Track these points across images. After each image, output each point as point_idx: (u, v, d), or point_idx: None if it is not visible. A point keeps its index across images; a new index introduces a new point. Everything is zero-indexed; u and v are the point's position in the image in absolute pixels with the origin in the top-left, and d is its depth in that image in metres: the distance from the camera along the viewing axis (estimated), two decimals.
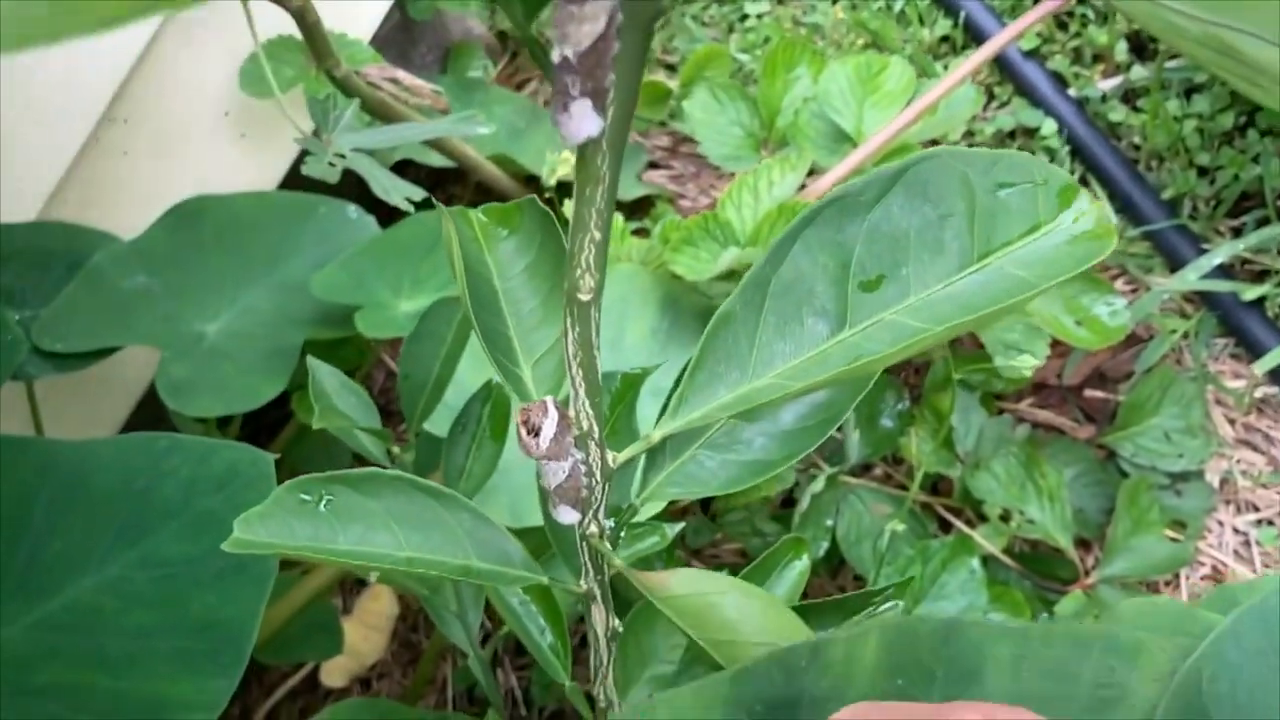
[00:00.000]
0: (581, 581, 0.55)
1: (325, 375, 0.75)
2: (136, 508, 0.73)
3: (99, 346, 1.01)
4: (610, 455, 0.48)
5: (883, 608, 0.61)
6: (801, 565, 0.64)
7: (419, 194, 0.94)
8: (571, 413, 0.45)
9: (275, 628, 1.01)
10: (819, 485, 1.07)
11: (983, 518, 1.13)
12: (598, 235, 0.38)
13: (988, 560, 1.09)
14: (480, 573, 0.52)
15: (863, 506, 1.10)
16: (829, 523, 1.08)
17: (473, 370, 0.92)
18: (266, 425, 1.27)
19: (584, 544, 0.52)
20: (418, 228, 1.10)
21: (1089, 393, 1.22)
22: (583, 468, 0.47)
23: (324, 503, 0.52)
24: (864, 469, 1.15)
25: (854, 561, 1.08)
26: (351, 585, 1.24)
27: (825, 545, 1.08)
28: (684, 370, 0.47)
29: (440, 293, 1.04)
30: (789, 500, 1.15)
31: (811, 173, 1.08)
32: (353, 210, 1.14)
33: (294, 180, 1.24)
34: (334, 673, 1.22)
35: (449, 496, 0.53)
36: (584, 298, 0.40)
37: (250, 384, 1.02)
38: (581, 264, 0.39)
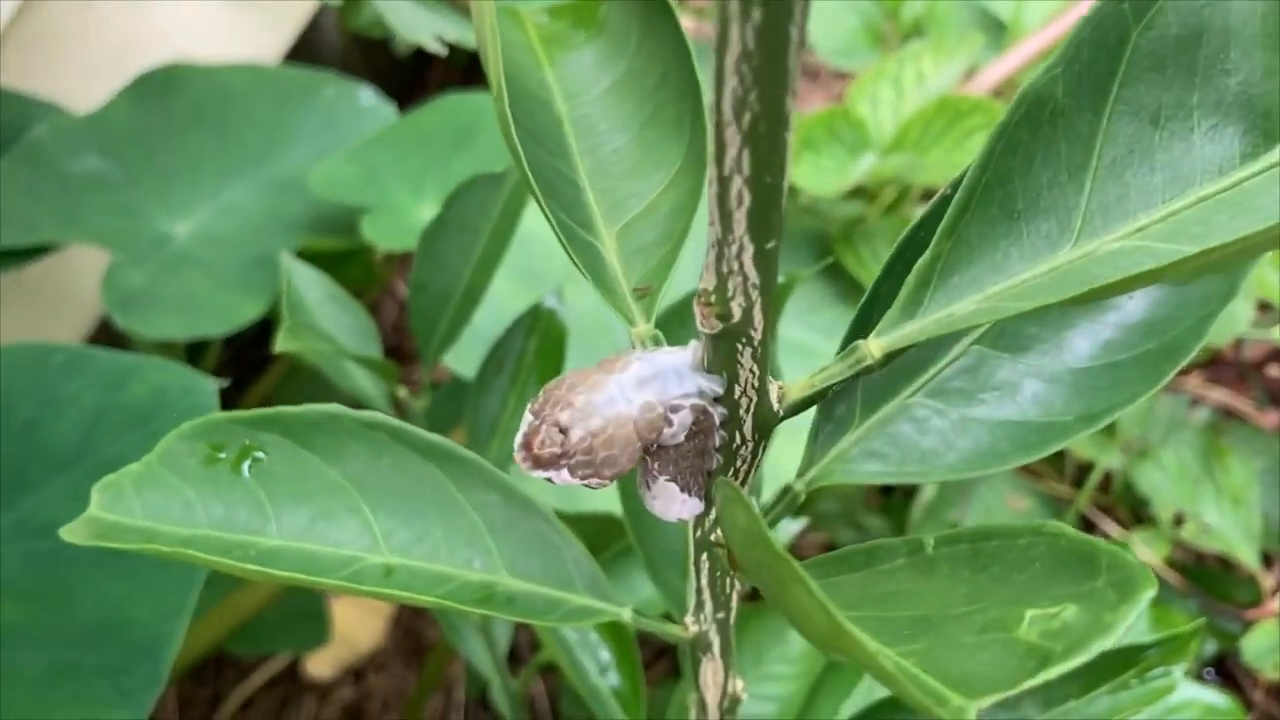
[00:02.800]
0: (690, 619, 0.32)
1: (305, 280, 0.53)
2: (14, 451, 0.51)
3: (33, 242, 0.80)
4: (775, 390, 0.24)
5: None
6: None
7: (455, 32, 0.70)
8: (704, 285, 0.22)
9: (247, 613, 0.83)
10: None
11: (1138, 519, 0.90)
12: None
13: None
14: (515, 598, 0.30)
15: (995, 499, 0.87)
16: (954, 517, 0.85)
17: (514, 287, 0.69)
18: (251, 365, 1.05)
19: (704, 556, 0.29)
20: (447, 113, 0.88)
21: (1274, 370, 0.98)
22: (717, 414, 0.24)
23: (248, 463, 0.30)
24: None
25: None
26: None
27: None
28: (925, 223, 0.24)
29: None
30: (889, 486, 0.93)
31: None
32: (367, 94, 0.93)
33: (301, 56, 1.02)
34: (322, 662, 1.05)
35: (465, 462, 0.30)
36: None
37: (226, 301, 0.81)
38: None
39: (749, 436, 0.25)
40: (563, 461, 0.24)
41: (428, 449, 0.30)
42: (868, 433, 0.29)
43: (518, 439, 0.24)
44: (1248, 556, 0.85)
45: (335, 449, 0.30)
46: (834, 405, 0.29)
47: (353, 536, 0.30)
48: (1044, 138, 0.23)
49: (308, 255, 0.84)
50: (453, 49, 1.10)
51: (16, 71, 0.88)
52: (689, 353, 0.24)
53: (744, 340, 0.22)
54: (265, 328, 0.92)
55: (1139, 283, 0.20)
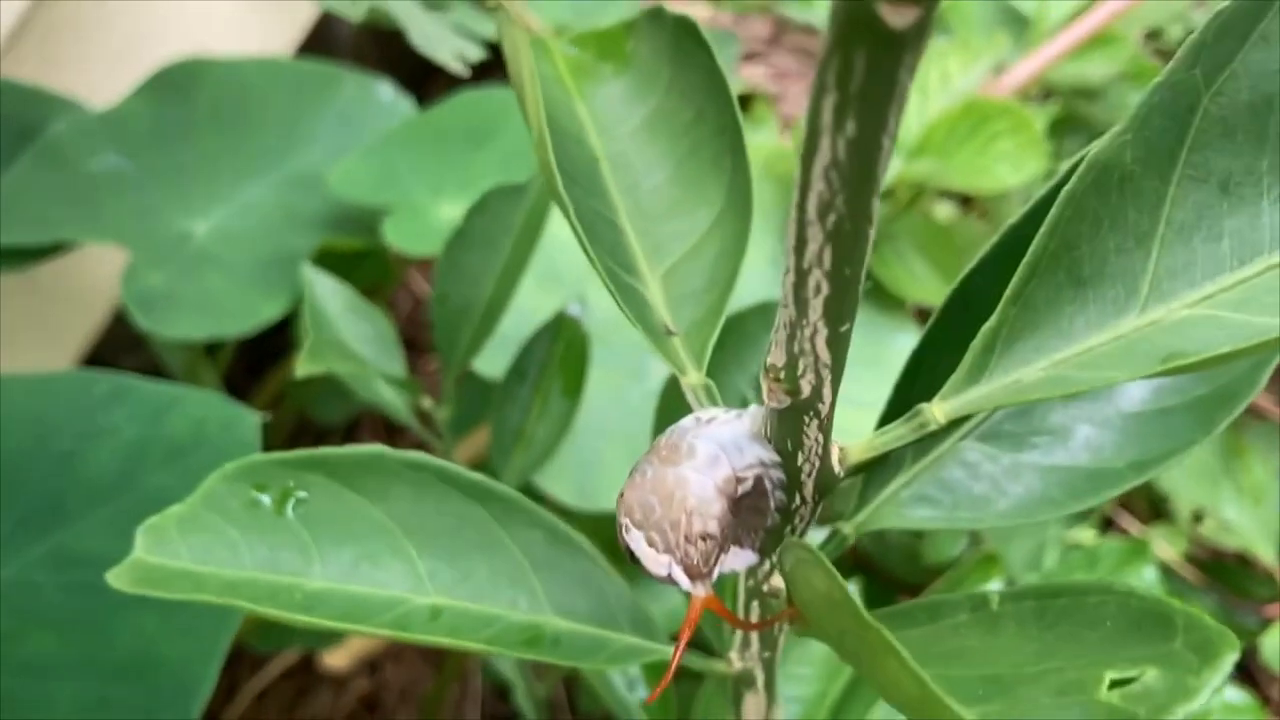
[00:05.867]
0: (734, 655, 0.32)
1: (327, 291, 0.52)
2: (53, 481, 0.51)
3: (51, 240, 0.79)
4: (837, 453, 0.24)
5: None
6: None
7: (476, 52, 0.70)
8: (773, 361, 0.22)
9: None
10: None
11: (1157, 514, 0.90)
12: None
13: (1164, 570, 0.87)
14: (561, 638, 0.29)
15: None
16: None
17: (536, 287, 0.68)
18: (269, 353, 1.05)
19: (754, 603, 0.29)
20: (465, 111, 0.87)
21: None
22: (775, 478, 0.24)
23: (291, 504, 0.30)
24: None
25: (1004, 563, 0.85)
26: None
27: (963, 543, 0.86)
28: (980, 269, 0.24)
29: None
30: None
31: None
32: (386, 89, 0.91)
33: (314, 47, 1.00)
34: (338, 654, 1.03)
35: (508, 501, 0.30)
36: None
37: (246, 300, 0.80)
38: None
39: (809, 499, 0.25)
40: (720, 555, 0.23)
41: (471, 488, 0.30)
42: (918, 476, 0.29)
43: (682, 581, 0.24)
44: (1267, 553, 0.85)
45: (379, 490, 0.30)
46: (894, 454, 0.29)
47: (397, 578, 0.30)
48: (1112, 204, 0.22)
49: (325, 254, 0.84)
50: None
51: (32, 65, 0.87)
52: (746, 421, 0.24)
53: (811, 414, 0.22)
54: (283, 323, 0.92)
55: (1211, 364, 0.19)
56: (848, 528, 0.29)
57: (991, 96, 0.72)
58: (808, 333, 0.20)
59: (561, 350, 0.55)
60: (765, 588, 0.28)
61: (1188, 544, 0.86)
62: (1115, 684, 0.19)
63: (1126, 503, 0.91)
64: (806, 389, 0.21)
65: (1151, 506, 0.91)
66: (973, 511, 0.28)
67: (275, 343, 1.04)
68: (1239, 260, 0.22)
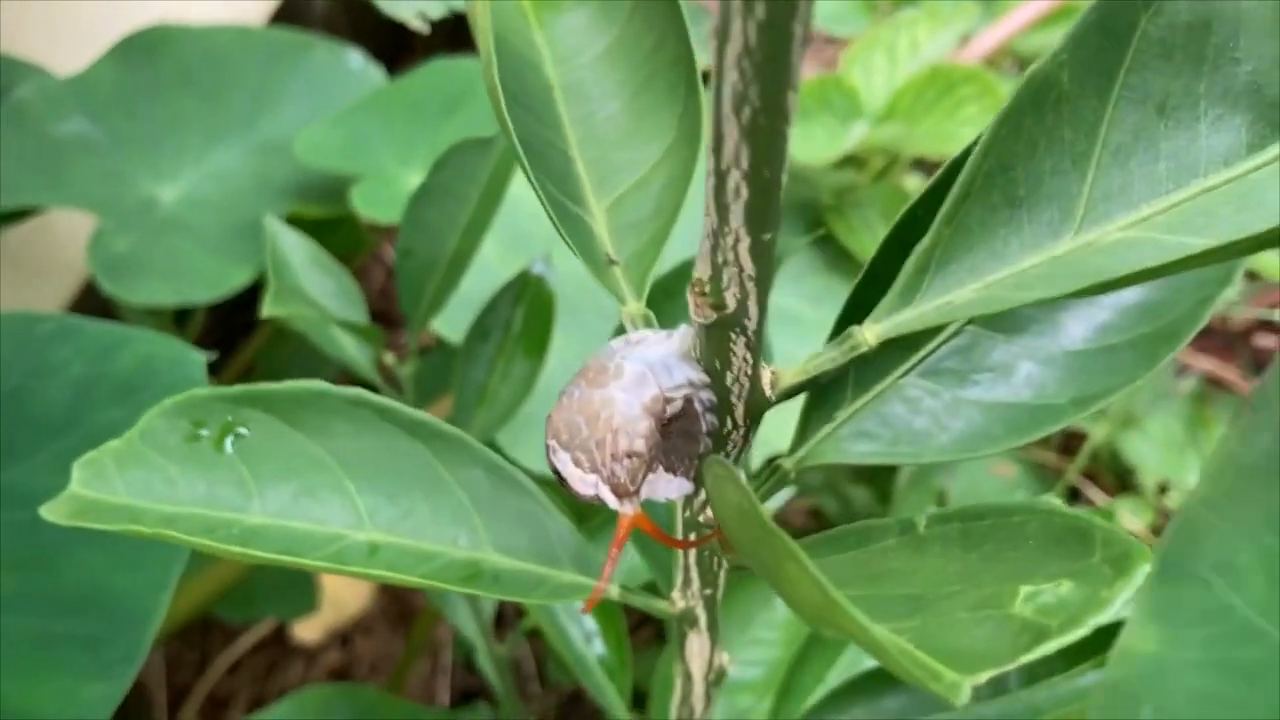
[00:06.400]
0: (676, 594, 0.32)
1: (291, 244, 0.52)
2: (2, 417, 0.50)
3: (17, 205, 0.78)
4: (768, 376, 0.24)
5: None
6: None
7: (438, 9, 0.69)
8: (698, 274, 0.22)
9: (235, 577, 0.82)
10: None
11: (1124, 486, 0.90)
12: None
13: None
14: (501, 575, 0.29)
15: (981, 466, 0.86)
16: (940, 484, 0.85)
17: (502, 252, 0.68)
18: (238, 327, 1.04)
19: (691, 536, 0.29)
20: (436, 79, 0.87)
21: (1260, 340, 0.98)
22: (705, 400, 0.24)
23: (231, 440, 0.29)
24: None
25: None
26: None
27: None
28: (923, 202, 0.24)
29: None
30: None
31: None
32: (355, 57, 0.91)
33: (286, 18, 1.00)
34: (309, 626, 1.05)
35: (450, 439, 0.30)
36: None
37: (214, 267, 0.80)
38: None
39: (740, 422, 0.24)
40: (651, 468, 0.23)
41: (413, 426, 0.30)
42: (859, 412, 0.29)
43: (610, 500, 0.24)
44: None
45: (320, 426, 0.30)
46: (826, 384, 0.29)
47: (336, 514, 0.29)
48: (1048, 124, 0.22)
49: (295, 221, 0.83)
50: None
51: (2, 33, 0.86)
52: (675, 340, 0.24)
53: (738, 330, 0.22)
54: (251, 292, 0.91)
55: (1142, 278, 0.19)
56: (788, 463, 0.29)
57: (958, 63, 0.72)
58: (730, 241, 0.20)
59: (526, 309, 0.54)
60: (701, 518, 0.28)
61: (1154, 515, 0.87)
62: (1030, 598, 0.19)
63: (1093, 475, 0.92)
64: (732, 302, 0.21)
65: (1118, 479, 0.91)
66: (913, 446, 0.28)
67: (244, 317, 1.04)
68: (1175, 183, 0.22)
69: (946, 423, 0.28)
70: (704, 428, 0.24)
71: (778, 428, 0.30)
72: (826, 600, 0.17)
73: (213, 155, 0.87)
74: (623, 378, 0.23)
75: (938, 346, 0.29)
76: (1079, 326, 0.29)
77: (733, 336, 0.22)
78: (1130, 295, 0.28)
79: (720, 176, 0.18)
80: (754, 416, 0.24)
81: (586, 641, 0.45)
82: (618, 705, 0.44)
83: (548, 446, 0.24)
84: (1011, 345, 0.29)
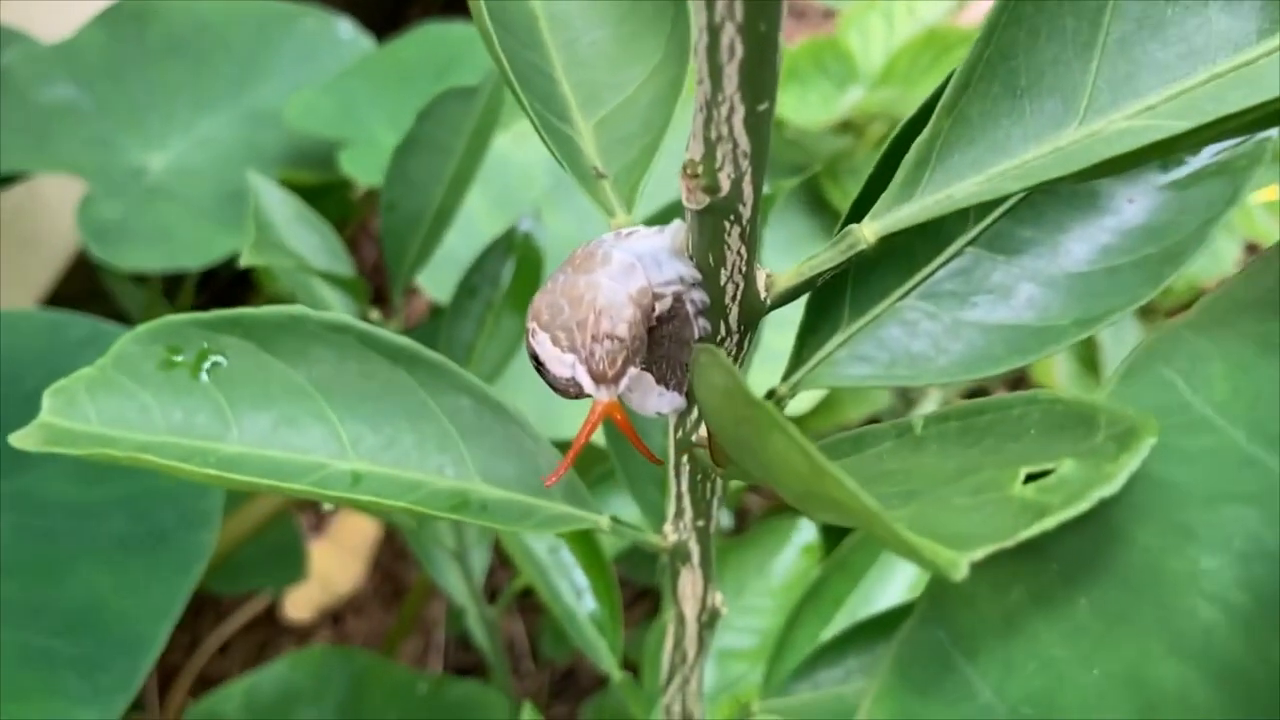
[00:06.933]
0: (669, 527, 0.31)
1: (275, 200, 0.51)
2: (18, 420, 0.49)
3: (5, 171, 0.77)
4: (763, 278, 0.23)
5: None
6: None
7: None
8: (690, 156, 0.21)
9: (224, 550, 0.80)
10: (929, 407, 0.82)
11: None
12: None
13: None
14: (489, 504, 0.28)
15: None
16: None
17: (492, 214, 0.67)
18: (227, 300, 1.03)
19: (684, 459, 0.28)
20: (427, 45, 0.86)
21: None
22: (699, 301, 0.23)
23: (207, 366, 0.29)
24: (978, 392, 0.90)
25: None
26: None
27: None
28: (928, 107, 0.23)
29: None
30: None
31: None
32: (346, 26, 0.90)
33: None
34: (299, 604, 1.03)
35: (434, 366, 0.29)
36: None
37: (202, 233, 0.79)
38: None
39: (734, 328, 0.24)
40: (631, 355, 0.22)
41: (395, 352, 0.29)
42: (855, 335, 0.28)
43: (586, 383, 0.23)
44: None
45: (299, 352, 0.29)
46: (821, 308, 0.28)
47: (318, 443, 0.29)
48: (1049, 11, 0.21)
49: (287, 187, 0.83)
50: None
51: None
52: (667, 235, 0.23)
53: (732, 217, 0.21)
54: (244, 271, 0.91)
55: (1149, 154, 0.18)
56: (783, 388, 0.28)
57: (954, 26, 0.71)
58: (724, 111, 0.19)
59: (514, 266, 0.53)
60: (694, 438, 0.27)
61: None
62: (1031, 479, 0.18)
63: None
64: (726, 184, 0.20)
65: None
66: (911, 369, 0.27)
67: (234, 290, 1.03)
68: (1182, 70, 0.21)
69: (946, 345, 0.27)
70: (696, 333, 0.23)
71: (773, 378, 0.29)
72: (814, 468, 0.16)
73: (201, 123, 0.86)
74: (610, 265, 0.22)
75: (936, 269, 0.28)
76: (1081, 248, 0.28)
77: (727, 226, 0.21)
78: (1133, 217, 0.28)
79: (713, 33, 0.17)
80: (749, 322, 0.24)
81: (577, 597, 0.44)
82: (609, 661, 0.43)
83: (527, 330, 0.23)
84: (1012, 267, 0.28)
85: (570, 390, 0.23)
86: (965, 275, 0.28)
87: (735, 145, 0.19)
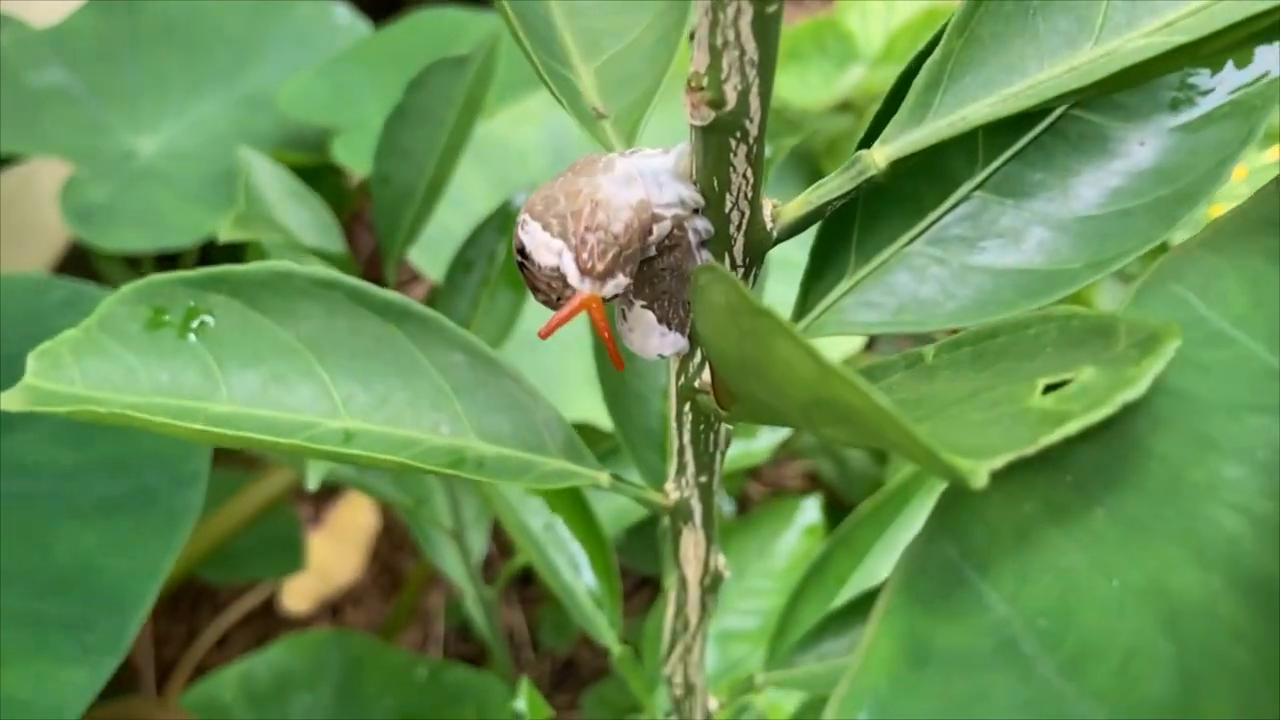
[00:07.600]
0: (670, 485, 0.30)
1: (267, 175, 0.50)
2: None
3: None
4: (769, 207, 0.22)
5: None
6: None
7: None
8: (695, 68, 0.20)
9: (222, 539, 0.80)
10: None
11: None
12: None
13: None
14: (485, 461, 0.28)
15: None
16: None
17: (489, 193, 0.66)
18: None
19: (686, 408, 0.27)
20: (423, 29, 0.86)
21: None
22: (702, 230, 0.22)
23: (195, 326, 0.28)
24: None
25: None
26: (322, 489, 1.00)
27: None
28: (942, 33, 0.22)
29: None
30: None
31: None
32: (341, 11, 0.89)
33: None
34: (298, 595, 1.02)
35: (426, 321, 0.28)
36: None
37: (192, 214, 0.79)
38: None
39: (739, 260, 0.23)
40: (622, 260, 0.21)
41: (385, 307, 0.28)
42: (862, 282, 0.27)
43: (571, 273, 0.22)
44: None
45: (287, 309, 0.28)
46: (827, 254, 0.27)
47: (309, 401, 0.28)
48: None
49: None
50: None
51: None
52: (671, 157, 0.22)
53: (738, 134, 0.20)
54: (239, 257, 0.90)
55: (1173, 61, 0.18)
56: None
57: (954, 5, 0.71)
58: (730, 14, 0.18)
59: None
60: (697, 383, 0.26)
61: None
62: (1050, 389, 0.18)
63: None
64: (732, 96, 0.19)
65: None
66: (918, 314, 0.26)
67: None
68: None
69: (954, 290, 0.27)
70: (698, 264, 0.22)
71: None
72: (822, 371, 0.15)
73: (194, 107, 0.85)
74: (613, 172, 0.22)
75: (944, 214, 0.27)
76: (1091, 191, 0.27)
77: (732, 144, 0.20)
78: (1144, 160, 0.27)
79: None
80: (755, 255, 0.23)
81: (575, 572, 0.44)
82: (609, 636, 0.42)
83: (519, 222, 0.22)
84: (1021, 211, 0.27)
85: (553, 288, 0.22)
86: (973, 220, 0.27)
87: (743, 52, 0.18)
